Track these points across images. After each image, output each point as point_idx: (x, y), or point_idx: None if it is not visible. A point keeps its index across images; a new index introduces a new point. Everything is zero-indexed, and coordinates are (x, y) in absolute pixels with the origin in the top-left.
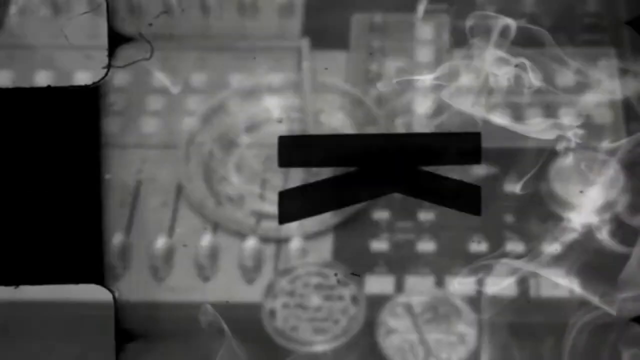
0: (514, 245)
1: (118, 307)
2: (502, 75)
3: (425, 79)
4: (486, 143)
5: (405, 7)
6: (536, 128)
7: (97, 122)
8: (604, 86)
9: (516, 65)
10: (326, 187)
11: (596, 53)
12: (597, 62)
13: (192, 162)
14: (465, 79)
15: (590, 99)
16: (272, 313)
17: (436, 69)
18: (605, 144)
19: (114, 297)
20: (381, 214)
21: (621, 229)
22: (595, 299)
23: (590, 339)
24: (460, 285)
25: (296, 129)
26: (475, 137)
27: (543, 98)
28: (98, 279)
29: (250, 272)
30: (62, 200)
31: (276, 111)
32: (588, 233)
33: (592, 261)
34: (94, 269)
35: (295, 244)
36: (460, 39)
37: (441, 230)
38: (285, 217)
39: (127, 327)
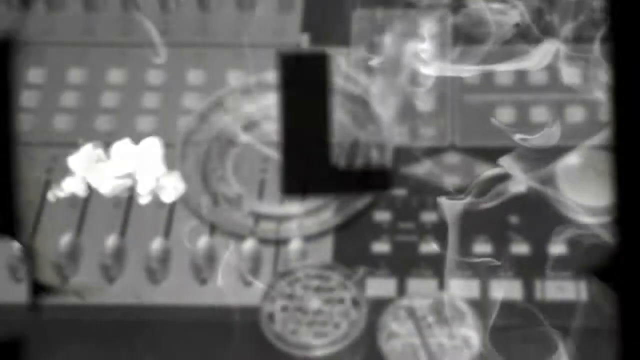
0: (519, 247)
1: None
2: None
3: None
4: (490, 142)
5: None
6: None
7: None
8: None
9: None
10: None
11: None
12: None
13: (188, 162)
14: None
15: None
16: (271, 316)
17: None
18: None
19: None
20: (383, 215)
21: None
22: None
23: None
24: (464, 288)
25: None
26: None
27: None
28: (9, 232)
29: (248, 275)
30: None
31: (275, 109)
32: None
33: None
34: (4, 221)
35: (294, 245)
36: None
37: (444, 231)
38: None
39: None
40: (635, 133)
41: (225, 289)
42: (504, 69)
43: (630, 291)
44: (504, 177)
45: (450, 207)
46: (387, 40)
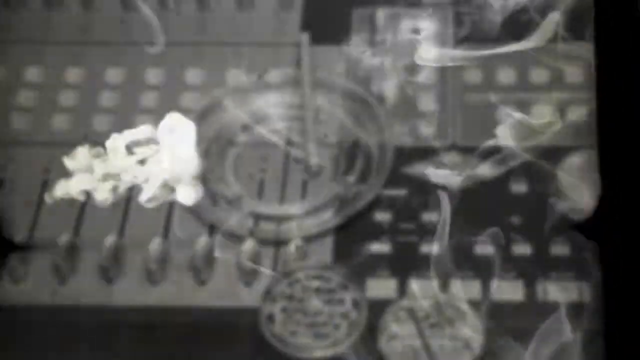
0: (521, 247)
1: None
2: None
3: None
4: (491, 142)
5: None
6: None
7: None
8: None
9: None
10: None
11: None
12: None
13: None
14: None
15: None
16: (270, 317)
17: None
18: None
19: None
20: (383, 215)
21: None
22: None
23: None
24: (466, 289)
25: (295, 127)
26: None
27: None
28: None
29: (247, 275)
30: None
31: (275, 109)
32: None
33: None
34: None
35: (294, 245)
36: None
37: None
38: None
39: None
40: (618, 127)
41: (225, 276)
42: (507, 50)
43: (611, 244)
44: (499, 150)
45: (441, 178)
46: (384, 17)
